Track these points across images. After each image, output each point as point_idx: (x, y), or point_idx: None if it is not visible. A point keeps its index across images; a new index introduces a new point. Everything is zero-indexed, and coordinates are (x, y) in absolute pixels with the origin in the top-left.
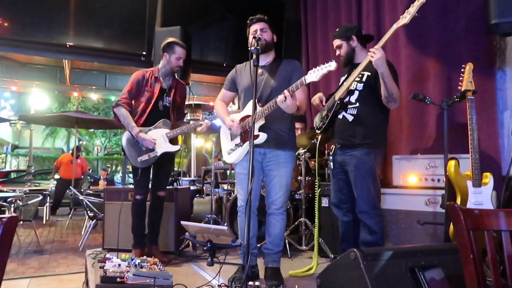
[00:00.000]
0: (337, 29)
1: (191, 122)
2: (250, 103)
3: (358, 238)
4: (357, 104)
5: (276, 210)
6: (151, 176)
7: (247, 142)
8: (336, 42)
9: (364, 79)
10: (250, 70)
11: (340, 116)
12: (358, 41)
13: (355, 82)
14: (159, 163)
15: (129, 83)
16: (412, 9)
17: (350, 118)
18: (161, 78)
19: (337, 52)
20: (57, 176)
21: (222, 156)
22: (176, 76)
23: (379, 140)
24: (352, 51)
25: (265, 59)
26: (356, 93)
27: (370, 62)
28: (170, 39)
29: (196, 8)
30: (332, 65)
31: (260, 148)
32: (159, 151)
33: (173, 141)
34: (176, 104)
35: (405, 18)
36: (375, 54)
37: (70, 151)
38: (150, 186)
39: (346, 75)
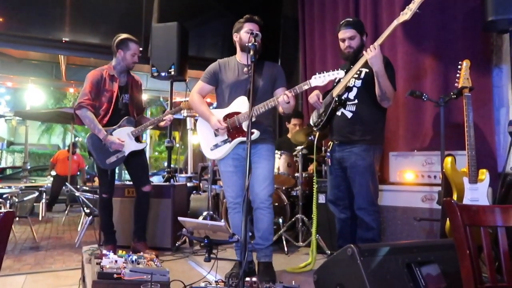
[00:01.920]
0: (348, 19)
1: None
2: (238, 99)
3: (355, 234)
4: (356, 101)
5: (262, 204)
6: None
7: (237, 139)
8: (350, 32)
9: (362, 75)
10: (238, 67)
11: (338, 113)
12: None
13: (353, 79)
14: (129, 159)
15: (88, 84)
16: (414, 5)
17: (349, 115)
18: (116, 76)
19: (347, 43)
20: (53, 173)
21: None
22: (130, 71)
23: (377, 137)
24: (362, 46)
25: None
26: (355, 90)
27: None
28: (123, 36)
29: (193, 4)
30: (340, 73)
31: (243, 144)
32: (126, 151)
33: (138, 138)
34: (134, 99)
35: (406, 14)
36: (371, 52)
37: (67, 148)
38: (132, 183)
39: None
